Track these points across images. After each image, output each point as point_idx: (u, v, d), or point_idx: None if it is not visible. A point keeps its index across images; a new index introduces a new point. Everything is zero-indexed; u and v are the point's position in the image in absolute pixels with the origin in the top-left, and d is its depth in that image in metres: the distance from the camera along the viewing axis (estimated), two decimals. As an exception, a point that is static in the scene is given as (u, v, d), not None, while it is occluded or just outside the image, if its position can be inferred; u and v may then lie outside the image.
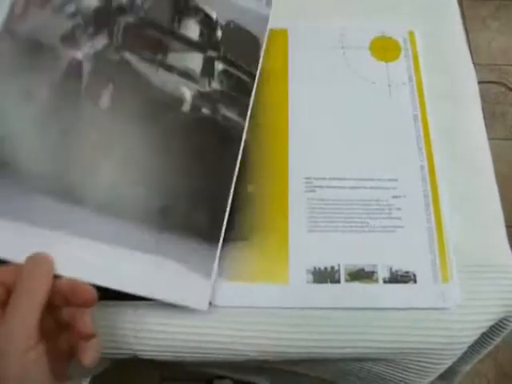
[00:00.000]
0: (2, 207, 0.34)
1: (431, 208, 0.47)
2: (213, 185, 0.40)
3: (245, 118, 0.43)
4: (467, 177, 0.48)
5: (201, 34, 0.44)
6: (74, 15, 0.39)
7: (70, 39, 0.38)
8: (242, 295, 0.43)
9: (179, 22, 0.43)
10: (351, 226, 0.45)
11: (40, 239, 0.34)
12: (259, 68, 0.47)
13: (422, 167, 0.48)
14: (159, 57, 0.41)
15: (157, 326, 0.42)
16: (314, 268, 0.44)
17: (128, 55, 0.40)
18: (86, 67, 0.38)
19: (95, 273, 0.35)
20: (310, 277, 0.43)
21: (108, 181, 0.37)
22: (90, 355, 0.33)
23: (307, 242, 0.45)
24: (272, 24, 0.55)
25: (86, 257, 0.35)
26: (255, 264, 0.44)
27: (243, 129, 0.42)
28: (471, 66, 0.55)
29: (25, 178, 0.35)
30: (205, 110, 0.41)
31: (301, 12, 0.56)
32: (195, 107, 0.41)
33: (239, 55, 0.45)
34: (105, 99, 0.37)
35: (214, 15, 0.45)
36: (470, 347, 0.45)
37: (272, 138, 0.49)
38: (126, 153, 0.38)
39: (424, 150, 0.49)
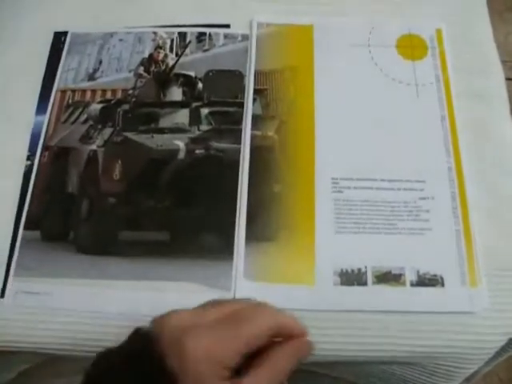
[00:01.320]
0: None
1: (459, 210, 0.46)
2: (218, 208, 0.47)
3: (239, 143, 0.49)
4: (496, 178, 0.48)
5: (184, 94, 0.52)
6: (86, 121, 0.51)
7: (86, 138, 0.51)
8: (266, 296, 0.42)
9: (164, 92, 0.53)
10: (378, 228, 0.45)
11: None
12: (251, 86, 0.52)
13: (449, 169, 0.48)
14: (152, 125, 0.51)
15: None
16: (341, 270, 0.43)
17: (128, 134, 0.50)
18: (100, 153, 0.49)
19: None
20: (337, 279, 0.43)
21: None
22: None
23: (334, 243, 0.44)
24: (297, 20, 0.54)
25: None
26: (281, 265, 0.44)
27: (239, 152, 0.48)
28: (499, 64, 0.54)
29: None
30: (198, 151, 0.49)
31: (326, 8, 0.55)
32: (189, 152, 0.49)
33: (223, 93, 0.52)
34: (117, 172, 0.48)
35: (192, 74, 0.53)
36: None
37: (298, 137, 0.49)
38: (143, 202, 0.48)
39: (452, 151, 0.48)
